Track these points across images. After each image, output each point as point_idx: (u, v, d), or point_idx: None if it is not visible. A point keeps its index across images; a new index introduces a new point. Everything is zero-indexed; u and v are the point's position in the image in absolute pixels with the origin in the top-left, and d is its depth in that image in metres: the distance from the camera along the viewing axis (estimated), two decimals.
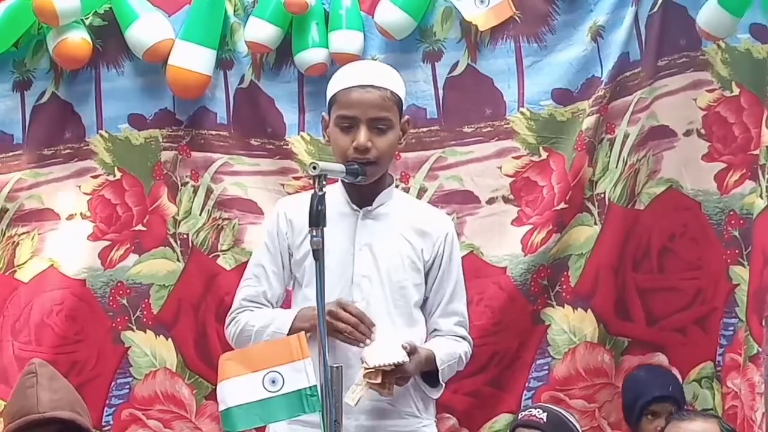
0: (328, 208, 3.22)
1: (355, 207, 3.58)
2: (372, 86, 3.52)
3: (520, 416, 3.99)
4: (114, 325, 4.46)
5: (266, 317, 3.60)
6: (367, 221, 3.57)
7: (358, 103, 3.50)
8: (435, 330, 3.64)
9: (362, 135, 3.47)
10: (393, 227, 3.57)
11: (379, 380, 3.37)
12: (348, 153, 3.49)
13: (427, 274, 3.60)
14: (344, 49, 4.30)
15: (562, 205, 4.21)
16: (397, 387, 3.46)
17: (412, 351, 3.43)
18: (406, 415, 3.54)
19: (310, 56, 4.33)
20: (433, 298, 3.62)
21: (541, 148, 4.27)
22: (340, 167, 3.44)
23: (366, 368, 3.39)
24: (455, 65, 4.34)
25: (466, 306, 3.68)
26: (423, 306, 3.64)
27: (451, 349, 3.59)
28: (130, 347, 4.47)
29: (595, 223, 4.25)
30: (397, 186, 3.84)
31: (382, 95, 3.51)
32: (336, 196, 3.55)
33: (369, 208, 3.57)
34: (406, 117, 3.63)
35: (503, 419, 4.29)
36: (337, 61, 4.32)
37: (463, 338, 3.65)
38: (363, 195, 3.59)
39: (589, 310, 4.29)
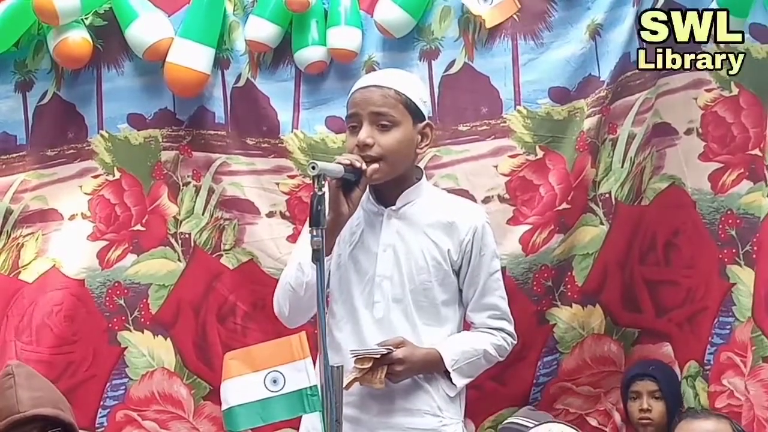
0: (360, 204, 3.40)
1: (381, 206, 3.57)
2: (374, 86, 3.53)
3: None
4: (110, 325, 4.45)
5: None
6: (392, 221, 3.55)
7: (359, 102, 3.51)
8: (472, 324, 3.63)
9: (363, 131, 3.47)
10: (419, 227, 3.55)
11: (366, 366, 3.39)
12: (353, 152, 3.48)
13: (458, 272, 3.59)
14: (342, 45, 4.31)
15: (564, 206, 4.20)
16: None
17: (398, 345, 3.44)
18: (424, 414, 3.53)
19: (310, 54, 4.34)
20: (466, 293, 3.60)
21: (537, 147, 4.26)
22: (339, 167, 3.42)
23: (352, 353, 3.43)
24: (452, 63, 4.33)
25: (504, 298, 3.65)
26: (461, 301, 3.63)
27: (471, 345, 3.57)
28: (126, 348, 4.46)
29: (601, 223, 4.25)
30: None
31: (383, 93, 3.51)
32: (366, 193, 3.55)
33: (393, 207, 3.56)
34: (426, 122, 3.58)
35: (507, 412, 4.30)
36: (335, 57, 4.33)
37: (499, 329, 3.63)
38: (387, 194, 3.57)
39: (597, 305, 4.33)
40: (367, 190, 3.57)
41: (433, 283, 3.54)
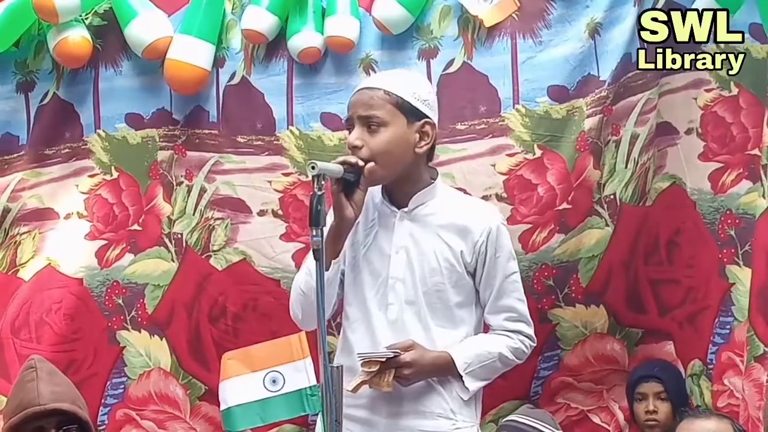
0: (374, 206, 3.40)
1: (393, 208, 3.55)
2: (366, 88, 3.50)
3: None
4: (110, 324, 4.45)
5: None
6: (405, 222, 3.52)
7: (352, 105, 3.50)
8: (489, 326, 3.61)
9: (353, 133, 3.45)
10: (432, 229, 3.51)
11: (373, 369, 3.37)
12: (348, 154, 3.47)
13: (473, 274, 3.57)
14: (340, 33, 4.28)
15: (565, 206, 4.19)
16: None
17: (407, 348, 3.43)
18: (437, 416, 3.50)
19: (304, 39, 4.30)
20: (483, 294, 3.56)
21: (535, 146, 4.24)
22: (338, 167, 3.40)
23: (359, 356, 3.40)
24: (451, 62, 4.32)
25: (522, 301, 3.59)
26: (479, 303, 3.62)
27: (485, 348, 3.53)
28: (125, 347, 4.46)
29: (606, 225, 4.25)
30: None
31: (371, 94, 3.47)
32: (378, 195, 3.54)
33: (406, 209, 3.54)
34: (425, 120, 3.52)
35: (510, 405, 4.33)
36: (332, 46, 4.31)
37: (516, 332, 3.58)
38: (399, 195, 3.53)
39: (601, 306, 4.33)
40: (381, 191, 3.55)
41: (446, 285, 3.51)
